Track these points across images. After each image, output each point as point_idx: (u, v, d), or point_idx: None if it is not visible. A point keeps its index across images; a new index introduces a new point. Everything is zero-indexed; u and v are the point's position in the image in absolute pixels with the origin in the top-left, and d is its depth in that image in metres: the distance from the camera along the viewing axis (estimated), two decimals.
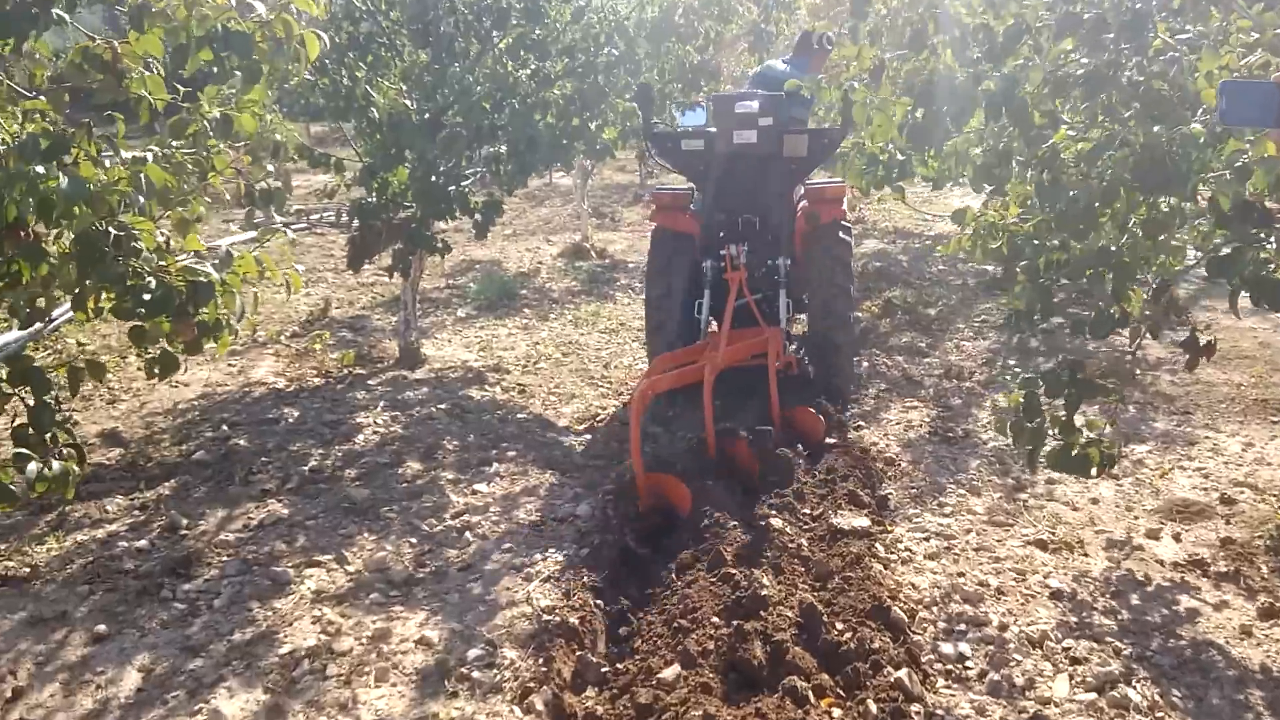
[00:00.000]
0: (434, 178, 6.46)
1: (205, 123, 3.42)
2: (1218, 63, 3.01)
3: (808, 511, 4.62)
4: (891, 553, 4.32)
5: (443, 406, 6.18)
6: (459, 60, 6.29)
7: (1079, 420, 3.71)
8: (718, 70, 6.93)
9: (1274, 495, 4.80)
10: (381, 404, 6.23)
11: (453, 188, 6.61)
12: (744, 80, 12.49)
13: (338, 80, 6.50)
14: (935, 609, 3.88)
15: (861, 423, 5.91)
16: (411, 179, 6.46)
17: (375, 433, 5.77)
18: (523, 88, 6.40)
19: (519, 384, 6.74)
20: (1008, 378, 6.66)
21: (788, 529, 4.37)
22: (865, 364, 7.08)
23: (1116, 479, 5.03)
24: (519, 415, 6.12)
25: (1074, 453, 3.48)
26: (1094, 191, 2.98)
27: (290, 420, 5.96)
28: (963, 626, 3.76)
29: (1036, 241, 3.47)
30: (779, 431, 5.20)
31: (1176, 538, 4.46)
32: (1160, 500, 4.80)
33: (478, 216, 6.81)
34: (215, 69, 3.21)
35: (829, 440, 5.35)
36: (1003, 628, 3.73)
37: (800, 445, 5.20)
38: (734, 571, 3.90)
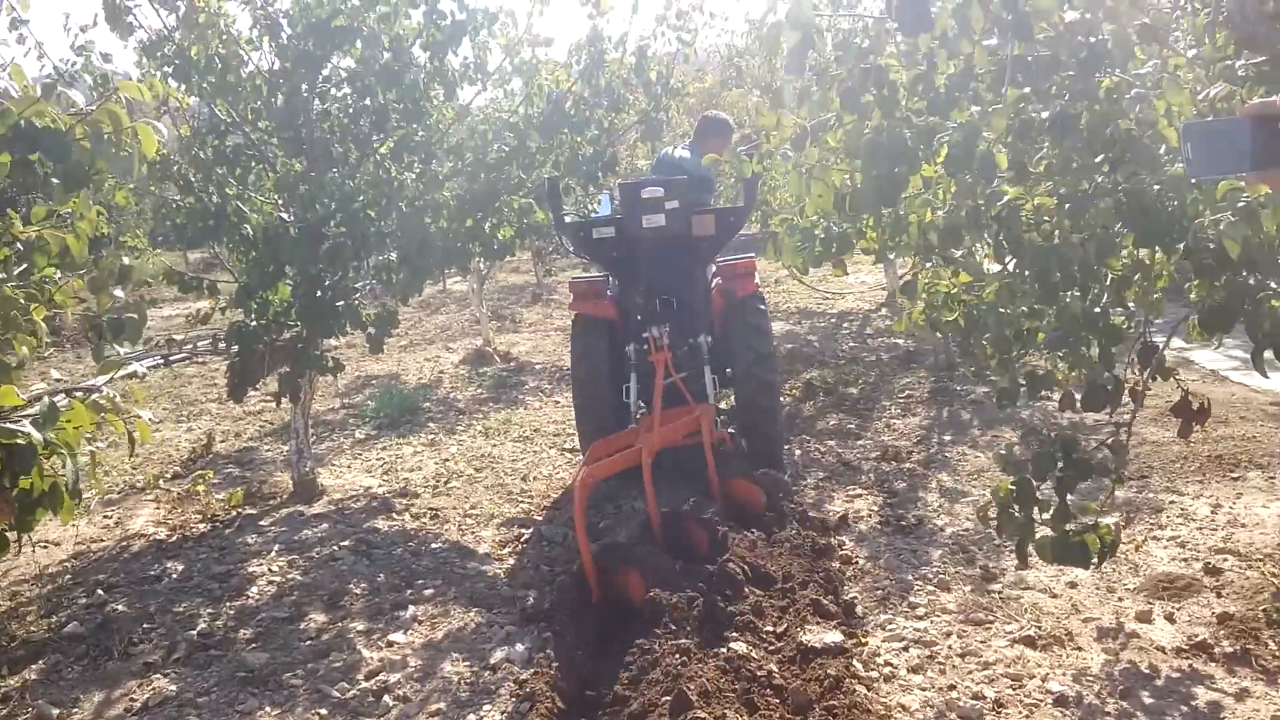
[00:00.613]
0: (319, 293, 5.95)
1: (19, 245, 2.87)
2: (1180, 97, 2.74)
3: (771, 629, 4.14)
4: (871, 669, 3.85)
5: (346, 544, 5.54)
6: (337, 166, 5.81)
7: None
8: (614, 160, 6.59)
9: (1259, 560, 4.50)
10: (276, 547, 5.56)
11: (340, 302, 6.11)
12: (640, 170, 12.43)
13: (205, 198, 5.95)
14: None
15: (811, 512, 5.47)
16: (294, 296, 5.92)
17: (271, 583, 5.10)
18: (409, 190, 5.95)
19: (430, 508, 6.14)
20: (947, 454, 6.35)
21: (753, 654, 3.87)
22: (798, 451, 6.70)
23: None
24: (433, 545, 5.52)
25: (1071, 542, 3.08)
26: (1076, 248, 2.64)
27: (174, 576, 5.24)
28: None
29: (1002, 310, 3.12)
30: (720, 505, 5.20)
31: (1170, 618, 4.10)
32: (1142, 577, 4.46)
33: (371, 330, 6.31)
34: (21, 178, 2.66)
35: (786, 532, 4.94)
36: None
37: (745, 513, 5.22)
38: (702, 715, 3.37)
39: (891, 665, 3.88)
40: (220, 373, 10.36)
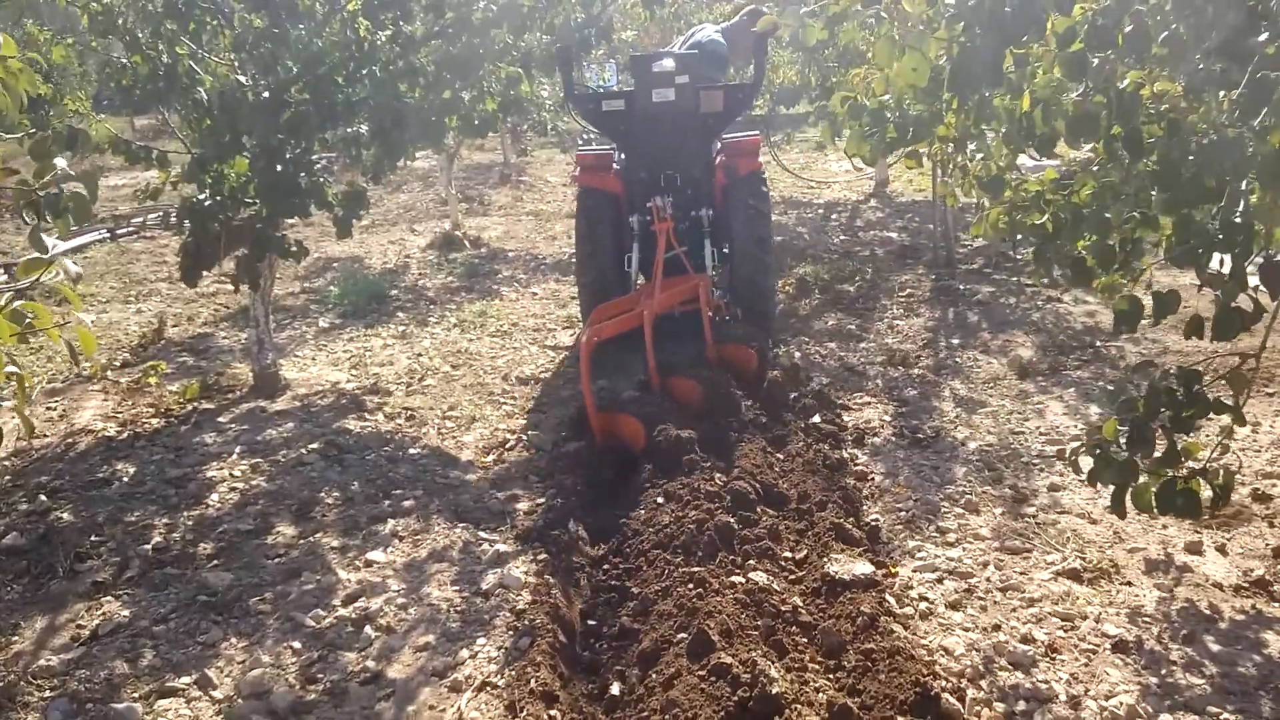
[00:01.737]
0: (280, 167, 5.37)
1: None
2: None
3: (790, 555, 3.78)
4: (905, 604, 3.50)
5: (315, 446, 5.08)
6: (304, 22, 5.15)
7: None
8: (609, 27, 5.98)
9: None
10: (238, 449, 5.09)
11: (304, 177, 5.55)
12: (628, 42, 12.22)
13: (154, 57, 5.29)
14: (983, 683, 3.07)
15: (817, 419, 5.09)
16: (253, 170, 5.34)
17: (233, 489, 4.65)
18: (383, 54, 5.31)
19: (405, 409, 5.68)
20: (957, 359, 5.97)
21: (775, 585, 3.51)
22: (797, 353, 6.29)
23: None
24: (411, 451, 5.08)
25: (1178, 489, 2.69)
26: (1238, 144, 2.18)
27: (126, 480, 4.77)
28: (1024, 705, 2.97)
29: (1107, 215, 2.66)
30: (715, 367, 5.39)
31: (1221, 550, 3.79)
32: None
33: (338, 211, 5.75)
34: None
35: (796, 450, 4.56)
36: (1075, 703, 2.96)
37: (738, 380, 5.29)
38: (727, 660, 3.01)
39: (927, 600, 3.54)
40: (171, 249, 9.69)
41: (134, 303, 8.24)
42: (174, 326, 7.48)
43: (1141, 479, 2.87)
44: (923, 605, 3.50)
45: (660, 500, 4.21)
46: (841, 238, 9.60)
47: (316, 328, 7.39)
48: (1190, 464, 2.93)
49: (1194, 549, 3.78)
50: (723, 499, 4.07)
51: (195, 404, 5.79)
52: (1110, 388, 2.70)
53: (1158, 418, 2.67)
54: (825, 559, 3.66)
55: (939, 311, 6.93)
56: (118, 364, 6.61)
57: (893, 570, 3.71)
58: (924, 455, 4.74)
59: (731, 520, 3.87)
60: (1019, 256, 8.16)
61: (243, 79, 5.39)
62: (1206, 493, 3.10)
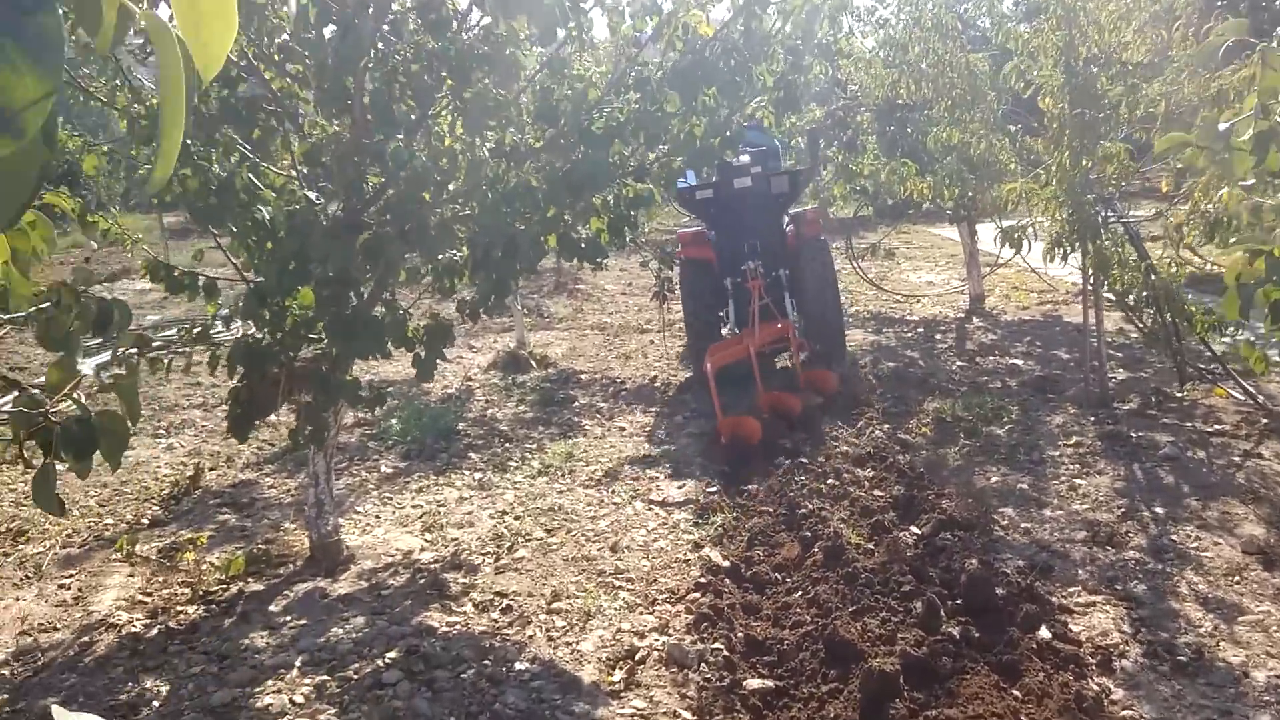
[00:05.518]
0: (353, 299, 4.47)
1: None
2: None
3: None
4: None
5: (393, 655, 3.97)
6: (400, 131, 4.21)
7: None
8: (740, 135, 5.02)
9: None
10: (299, 659, 3.99)
11: (381, 310, 4.67)
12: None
13: (205, 168, 4.34)
14: None
15: (1046, 634, 3.94)
16: (319, 303, 4.40)
17: None
18: (489, 169, 4.37)
19: (498, 594, 4.58)
20: (1174, 538, 4.84)
21: None
22: (976, 537, 5.15)
23: None
24: (517, 665, 3.95)
25: None
26: None
27: (156, 704, 3.68)
28: None
29: None
30: (804, 388, 7.23)
31: None
32: None
33: (420, 350, 4.84)
34: None
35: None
36: None
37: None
38: None
39: None
40: (204, 367, 8.67)
41: (164, 436, 7.23)
42: (211, 469, 6.45)
43: None
44: None
45: None
46: (959, 364, 8.52)
47: (378, 474, 6.34)
48: None
49: None
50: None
51: (243, 582, 4.73)
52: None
53: None
54: None
55: (1121, 468, 5.79)
56: (145, 521, 5.58)
57: None
58: (1198, 690, 3.59)
59: None
60: (1182, 395, 7.07)
61: (311, 195, 4.47)
62: None
